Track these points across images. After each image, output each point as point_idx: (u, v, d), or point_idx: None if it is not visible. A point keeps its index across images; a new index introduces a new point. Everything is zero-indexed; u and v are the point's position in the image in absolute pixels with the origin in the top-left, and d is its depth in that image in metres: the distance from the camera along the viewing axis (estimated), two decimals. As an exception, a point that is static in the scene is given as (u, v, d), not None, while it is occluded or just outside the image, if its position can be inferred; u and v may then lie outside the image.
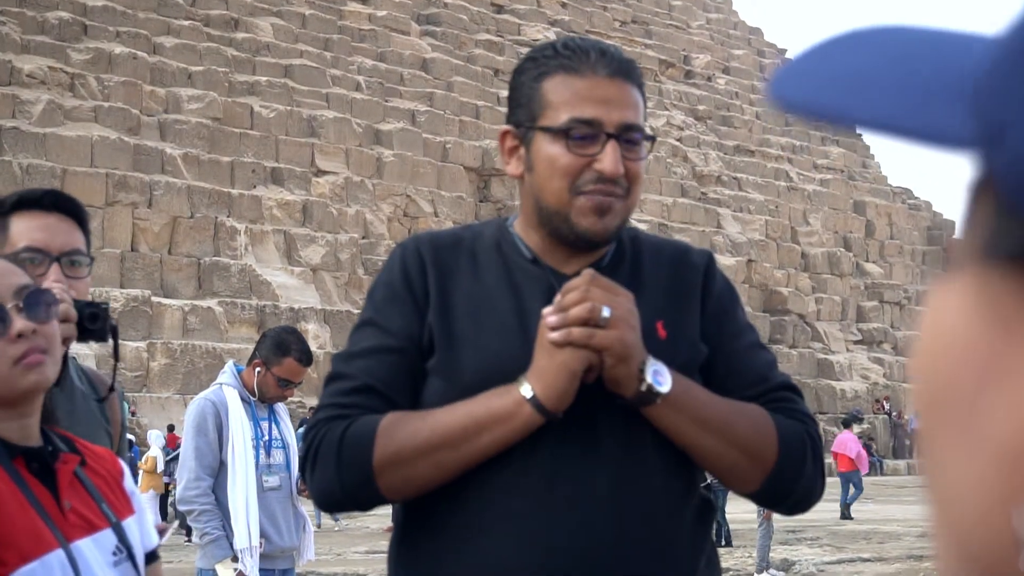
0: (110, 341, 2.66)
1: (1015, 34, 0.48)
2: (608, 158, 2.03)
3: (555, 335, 1.95)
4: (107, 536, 2.21)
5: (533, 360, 1.99)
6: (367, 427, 2.02)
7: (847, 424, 25.75)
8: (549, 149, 2.06)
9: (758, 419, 2.08)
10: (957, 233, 0.52)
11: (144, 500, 2.57)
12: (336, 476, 2.03)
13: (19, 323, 2.11)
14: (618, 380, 1.98)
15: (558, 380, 1.96)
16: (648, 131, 2.10)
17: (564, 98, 2.05)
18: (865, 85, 0.53)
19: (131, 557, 2.25)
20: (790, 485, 2.08)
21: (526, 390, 1.97)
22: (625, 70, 2.08)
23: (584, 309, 1.94)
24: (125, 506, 2.31)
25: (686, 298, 2.16)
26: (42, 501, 2.12)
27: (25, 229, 2.67)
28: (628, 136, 2.06)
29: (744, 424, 2.06)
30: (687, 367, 2.08)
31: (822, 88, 0.55)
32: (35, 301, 2.16)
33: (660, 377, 1.98)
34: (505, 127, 2.15)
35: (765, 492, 2.09)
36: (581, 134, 2.04)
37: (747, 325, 2.23)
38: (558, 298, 1.99)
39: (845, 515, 22.34)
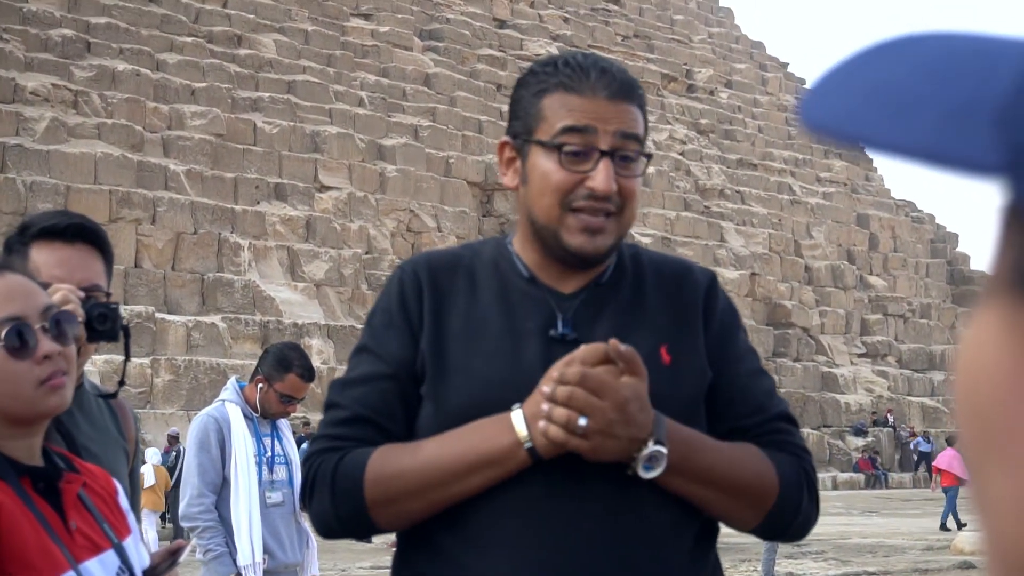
0: (122, 341, 2.64)
1: None
2: (600, 175, 2.01)
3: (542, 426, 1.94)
4: (111, 557, 2.20)
5: (533, 402, 1.97)
6: (358, 462, 2.03)
7: (950, 442, 26.49)
8: (543, 164, 2.05)
9: (759, 466, 2.08)
10: (989, 262, 0.52)
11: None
12: (332, 510, 2.05)
13: (46, 345, 2.12)
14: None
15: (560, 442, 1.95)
16: (646, 148, 2.08)
17: (560, 114, 2.04)
18: (897, 107, 0.51)
19: None
20: (788, 521, 2.12)
21: (522, 432, 1.96)
22: (626, 91, 2.05)
23: (562, 417, 1.92)
24: (123, 526, 2.30)
25: (689, 319, 2.14)
26: (50, 521, 2.11)
27: (45, 263, 2.64)
28: (623, 152, 2.04)
29: (747, 474, 2.06)
30: (692, 394, 2.07)
31: (853, 110, 0.52)
32: (60, 323, 2.16)
33: (652, 463, 1.96)
34: (504, 138, 2.14)
35: (762, 529, 2.12)
36: (574, 150, 2.02)
37: (748, 348, 2.21)
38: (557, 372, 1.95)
39: (944, 527, 23.09)
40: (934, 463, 25.69)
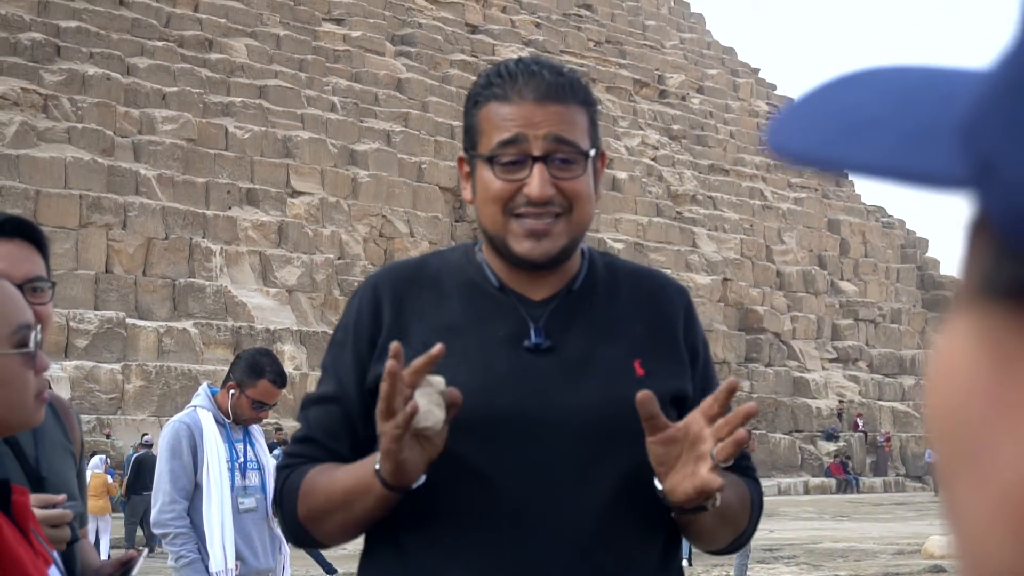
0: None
1: (1000, 67, 0.49)
2: (534, 181, 2.00)
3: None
4: (54, 570, 2.15)
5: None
6: (295, 483, 2.11)
7: None
8: (484, 176, 2.06)
9: (743, 496, 2.15)
10: (957, 273, 0.52)
11: None
12: (283, 523, 2.16)
13: (43, 357, 2.06)
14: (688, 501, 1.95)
15: (396, 465, 1.92)
16: (587, 147, 2.05)
17: (493, 125, 2.04)
18: (861, 130, 0.53)
19: None
20: (744, 543, 2.22)
21: (376, 464, 1.96)
22: (554, 92, 2.03)
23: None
24: (45, 537, 2.24)
25: (666, 335, 2.14)
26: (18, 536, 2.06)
27: None
28: (560, 155, 2.02)
29: (737, 505, 2.11)
30: (664, 405, 2.00)
31: (818, 135, 0.54)
32: (39, 336, 2.10)
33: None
34: (460, 154, 2.17)
35: (724, 551, 2.22)
36: (507, 160, 2.03)
37: (715, 372, 2.27)
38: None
39: None
40: None
